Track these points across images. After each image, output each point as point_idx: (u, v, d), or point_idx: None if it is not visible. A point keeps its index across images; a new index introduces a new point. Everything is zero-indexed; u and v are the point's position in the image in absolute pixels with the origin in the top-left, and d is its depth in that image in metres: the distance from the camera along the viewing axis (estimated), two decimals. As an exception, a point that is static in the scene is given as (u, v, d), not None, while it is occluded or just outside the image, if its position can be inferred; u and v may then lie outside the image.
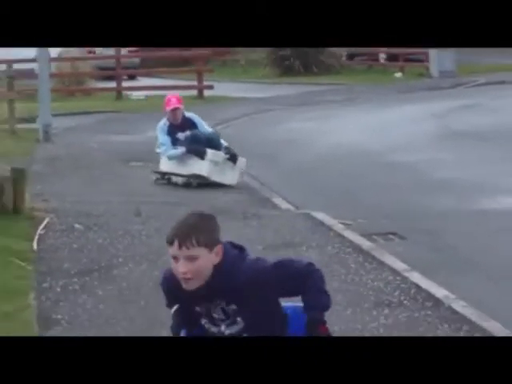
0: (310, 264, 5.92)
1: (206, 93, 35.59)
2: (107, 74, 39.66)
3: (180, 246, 5.60)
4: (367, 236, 14.04)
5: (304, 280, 5.87)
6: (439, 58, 40.65)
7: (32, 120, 26.63)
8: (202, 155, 18.01)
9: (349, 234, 14.15)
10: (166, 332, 9.68)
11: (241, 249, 5.84)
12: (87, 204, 16.81)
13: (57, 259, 13.20)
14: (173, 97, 19.07)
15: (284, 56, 43.41)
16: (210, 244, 5.70)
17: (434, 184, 17.77)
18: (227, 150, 18.28)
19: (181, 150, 18.29)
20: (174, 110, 18.33)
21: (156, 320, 10.28)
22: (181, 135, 18.21)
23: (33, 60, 29.06)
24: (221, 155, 18.02)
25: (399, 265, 12.41)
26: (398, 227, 14.74)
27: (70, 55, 39.77)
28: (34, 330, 10.04)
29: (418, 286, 11.42)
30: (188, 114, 18.74)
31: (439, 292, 11.10)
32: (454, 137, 23.11)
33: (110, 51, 40.30)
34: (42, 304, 11.12)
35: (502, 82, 36.68)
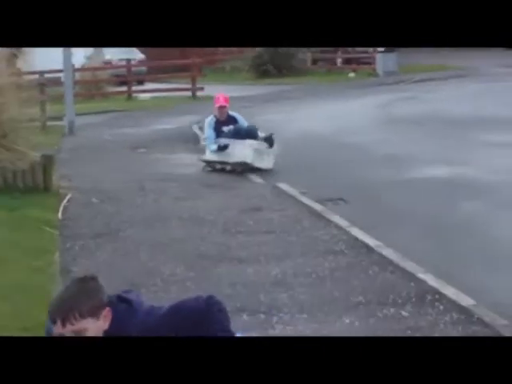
0: (209, 298, 5.06)
1: (199, 93, 35.86)
2: (120, 80, 39.77)
3: (64, 324, 4.77)
4: (319, 201, 14.09)
5: (203, 317, 5.01)
6: (384, 60, 40.98)
7: (60, 118, 26.82)
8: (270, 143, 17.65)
9: (305, 200, 14.32)
10: (160, 279, 10.18)
11: (129, 302, 5.01)
12: (102, 182, 16.95)
13: (77, 226, 13.37)
14: (221, 96, 18.40)
15: (260, 62, 43.53)
16: (95, 312, 4.86)
17: (377, 159, 17.83)
18: (266, 139, 17.74)
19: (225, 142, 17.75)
20: (222, 107, 17.87)
21: (151, 269, 10.59)
22: (225, 129, 17.74)
23: (60, 70, 28.83)
24: (262, 144, 17.55)
25: (343, 222, 12.59)
26: (346, 194, 14.83)
27: (90, 65, 39.99)
28: (57, 282, 10.03)
29: (356, 239, 11.66)
30: (232, 113, 18.23)
31: (372, 242, 11.36)
32: (394, 122, 23.08)
33: (123, 62, 40.57)
34: (64, 260, 11.30)
35: (433, 79, 36.94)
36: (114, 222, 13.46)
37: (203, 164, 17.94)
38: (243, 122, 18.08)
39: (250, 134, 17.63)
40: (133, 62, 41.09)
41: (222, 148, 17.57)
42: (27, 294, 9.61)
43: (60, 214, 14.48)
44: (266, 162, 17.38)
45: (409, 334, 8.16)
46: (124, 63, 40.33)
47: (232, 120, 17.90)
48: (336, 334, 8.15)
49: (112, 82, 39.98)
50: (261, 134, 17.93)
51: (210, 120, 17.95)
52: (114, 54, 44.86)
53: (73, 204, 15.19)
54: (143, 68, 43.58)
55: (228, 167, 17.38)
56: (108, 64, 42.69)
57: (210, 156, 17.80)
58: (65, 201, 15.36)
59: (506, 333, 7.89)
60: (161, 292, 9.60)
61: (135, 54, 44.95)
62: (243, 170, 17.27)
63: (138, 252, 11.58)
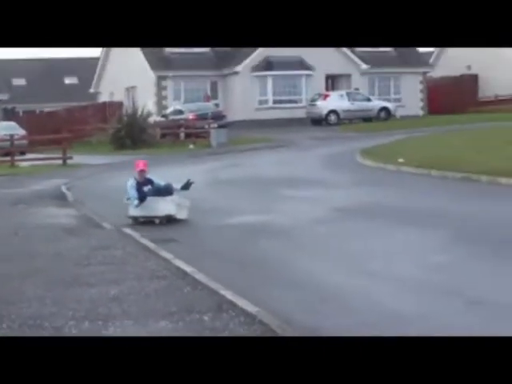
0: None
1: (68, 162, 35.68)
2: (5, 151, 39.03)
3: None
4: (154, 241, 14.30)
5: None
6: (217, 135, 41.39)
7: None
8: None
9: (143, 240, 14.53)
10: (26, 297, 10.49)
11: None
12: None
13: None
14: (141, 162, 17.79)
15: (119, 136, 43.15)
16: None
17: (205, 210, 18.15)
18: (186, 185, 17.54)
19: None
20: (142, 171, 17.21)
21: (20, 290, 10.77)
22: (145, 188, 16.99)
23: None
24: (180, 199, 17.18)
25: (169, 256, 12.83)
26: (178, 236, 15.24)
27: None
28: None
29: (177, 267, 11.89)
30: (147, 176, 17.36)
31: (188, 269, 11.63)
32: (220, 182, 23.60)
33: (7, 136, 39.59)
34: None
35: (257, 149, 37.50)
36: None
37: (131, 220, 17.02)
38: (159, 182, 17.45)
39: (168, 190, 17.27)
40: (16, 137, 40.48)
41: (142, 200, 16.87)
42: None
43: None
44: (183, 214, 17.06)
45: (207, 333, 8.33)
46: (8, 137, 39.72)
47: (148, 181, 17.33)
48: (153, 334, 8.37)
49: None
50: (176, 187, 17.52)
51: (131, 182, 17.16)
52: (0, 130, 44.57)
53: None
54: (25, 141, 42.85)
55: (157, 220, 16.74)
56: None
57: (135, 212, 17.01)
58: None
59: (279, 331, 8.12)
60: (25, 308, 9.73)
61: (18, 130, 44.73)
62: (167, 221, 16.76)
63: (10, 279, 11.67)
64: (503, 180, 19.95)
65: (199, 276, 11.27)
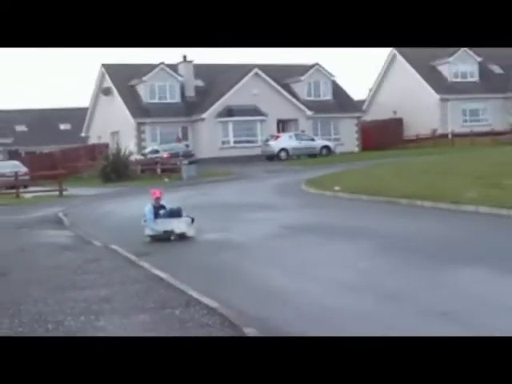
0: None
1: (64, 193, 35.41)
2: (11, 184, 38.80)
3: None
4: (136, 254, 14.37)
5: None
6: (187, 169, 41.32)
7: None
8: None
9: (127, 254, 14.61)
10: (32, 299, 10.68)
11: None
12: None
13: None
14: (156, 190, 17.56)
15: (106, 172, 42.75)
16: None
17: None
18: (176, 210, 17.08)
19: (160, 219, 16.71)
20: (158, 198, 17.06)
21: (27, 293, 10.91)
22: (161, 212, 16.80)
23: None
24: (189, 220, 16.87)
25: (146, 265, 13.02)
26: (154, 250, 15.33)
27: None
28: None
29: (154, 274, 12.11)
30: (159, 201, 17.15)
31: (163, 275, 11.83)
32: (192, 208, 23.85)
33: (13, 173, 39.55)
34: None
35: (220, 180, 37.64)
36: (3, 267, 13.63)
37: (148, 239, 16.81)
38: (170, 206, 17.26)
39: (178, 213, 16.96)
40: (19, 173, 40.37)
41: (171, 215, 16.76)
42: None
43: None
44: (192, 232, 16.72)
45: (177, 325, 8.59)
46: (13, 174, 39.61)
47: (162, 206, 17.11)
48: (135, 324, 8.72)
49: (5, 186, 39.21)
50: (167, 207, 17.17)
51: (149, 207, 16.98)
52: (6, 167, 43.99)
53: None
54: (27, 177, 42.73)
55: (173, 237, 16.45)
56: (1, 175, 41.71)
57: (153, 232, 16.73)
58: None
59: (237, 321, 8.45)
60: (32, 307, 9.95)
61: (21, 168, 44.59)
62: (181, 237, 16.52)
63: (18, 285, 11.87)
64: (418, 202, 20.26)
65: (171, 280, 11.47)
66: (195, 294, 10.26)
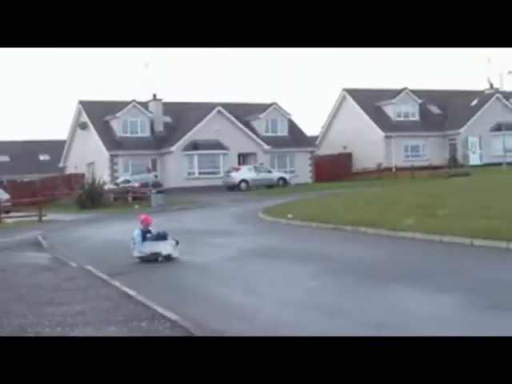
0: None
1: (43, 218, 35.14)
2: None
3: None
4: (108, 274, 14.42)
5: None
6: (156, 198, 41.19)
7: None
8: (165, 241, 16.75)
9: (99, 274, 14.53)
10: (13, 314, 10.54)
11: None
12: None
13: None
14: (146, 216, 17.65)
15: (82, 199, 42.50)
16: None
17: (130, 249, 17.24)
18: (162, 234, 16.99)
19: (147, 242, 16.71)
20: (147, 224, 17.14)
21: (9, 309, 10.95)
22: (148, 235, 16.76)
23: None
24: (174, 242, 16.83)
25: (117, 284, 13.13)
26: (124, 270, 15.28)
27: None
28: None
29: (123, 291, 12.23)
30: (147, 226, 17.18)
31: (132, 292, 11.96)
32: None
33: None
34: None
35: (186, 208, 37.78)
36: None
37: (138, 259, 16.80)
38: (155, 231, 17.24)
39: (164, 236, 16.92)
40: (2, 200, 40.26)
41: (158, 239, 16.75)
42: None
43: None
44: (176, 253, 16.69)
45: (135, 333, 8.76)
46: (-2, 201, 39.68)
47: (148, 230, 17.08)
48: (105, 334, 8.80)
49: None
50: (153, 232, 17.12)
51: (137, 232, 16.97)
52: None
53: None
54: (9, 203, 42.30)
55: (160, 258, 16.49)
56: None
57: (141, 253, 16.75)
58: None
59: (197, 332, 8.63)
60: (14, 319, 10.06)
61: (3, 195, 44.16)
62: (168, 258, 16.52)
63: (1, 301, 11.93)
64: (362, 229, 20.65)
65: (139, 297, 11.62)
66: (160, 309, 10.42)
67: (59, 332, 9.30)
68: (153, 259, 16.57)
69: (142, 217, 17.67)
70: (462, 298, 10.46)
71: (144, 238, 16.89)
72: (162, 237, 17.01)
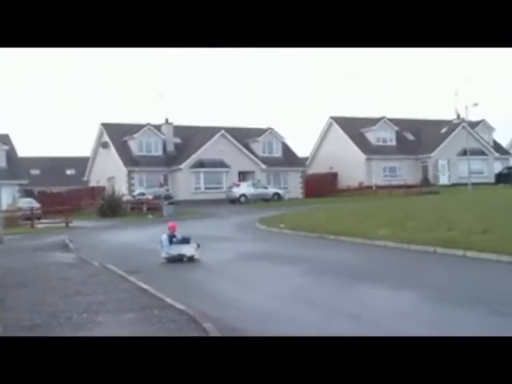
0: None
1: (70, 225, 35.37)
2: (27, 216, 38.73)
3: None
4: (126, 272, 14.64)
5: None
6: (167, 209, 41.32)
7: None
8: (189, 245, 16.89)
9: (119, 271, 14.93)
10: (47, 304, 10.88)
11: None
12: (16, 265, 17.12)
13: (5, 280, 13.63)
14: (173, 224, 17.82)
15: (103, 209, 42.75)
16: None
17: (158, 255, 17.34)
18: (185, 239, 17.11)
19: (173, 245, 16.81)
20: (173, 229, 17.27)
21: (43, 300, 11.27)
22: (174, 240, 16.96)
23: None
24: (195, 245, 17.00)
25: (134, 279, 13.43)
26: (140, 269, 15.30)
27: (9, 208, 39.19)
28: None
29: (139, 286, 12.45)
30: (173, 232, 17.24)
31: (146, 286, 12.20)
32: None
33: (28, 207, 39.95)
34: None
35: (194, 218, 37.68)
36: (21, 280, 13.95)
37: (165, 259, 16.85)
38: (179, 235, 17.22)
39: (187, 241, 17.05)
40: (34, 208, 40.61)
41: (182, 242, 16.88)
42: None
43: (-4, 277, 14.65)
44: (198, 255, 16.78)
45: (155, 320, 8.97)
46: (29, 208, 39.92)
47: (174, 235, 17.11)
48: (124, 319, 9.18)
49: (22, 218, 39.02)
50: (178, 237, 17.14)
51: (165, 236, 17.09)
52: (23, 203, 44.15)
53: (2, 273, 15.46)
54: (39, 211, 42.51)
55: (185, 259, 16.60)
56: (20, 209, 41.50)
57: (168, 255, 16.82)
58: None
59: (199, 319, 8.89)
60: (47, 307, 10.42)
61: (35, 204, 44.65)
62: (188, 259, 16.61)
63: (36, 292, 12.24)
64: (343, 238, 20.88)
65: (152, 291, 11.93)
66: (170, 301, 10.77)
67: (85, 317, 9.66)
68: (178, 260, 16.68)
69: (170, 224, 17.88)
70: (420, 294, 10.87)
71: (170, 242, 17.07)
72: (186, 241, 17.21)
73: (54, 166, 76.26)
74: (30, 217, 38.05)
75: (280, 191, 55.31)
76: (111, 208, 43.07)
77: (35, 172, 74.23)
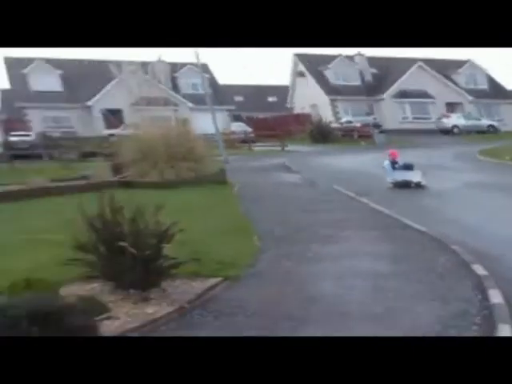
0: None
1: (286, 148, 36.17)
2: (242, 139, 40.24)
3: None
4: (355, 193, 14.63)
5: None
6: (378, 136, 41.52)
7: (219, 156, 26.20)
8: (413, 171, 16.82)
9: (348, 192, 15.04)
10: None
11: None
12: (249, 182, 17.82)
13: (243, 196, 14.61)
14: (393, 151, 17.84)
15: (314, 133, 43.71)
16: None
17: (375, 176, 17.85)
18: (409, 165, 17.03)
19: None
20: (394, 156, 17.29)
21: (280, 212, 12.27)
22: (396, 166, 16.98)
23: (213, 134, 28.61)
24: (420, 172, 16.86)
25: (365, 200, 13.50)
26: (369, 191, 14.68)
27: (225, 131, 40.21)
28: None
29: (373, 208, 12.56)
30: (394, 158, 17.21)
31: (379, 208, 12.23)
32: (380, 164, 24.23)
33: (242, 131, 41.73)
34: (241, 208, 12.62)
35: (404, 147, 36.84)
36: (259, 194, 14.79)
37: (391, 184, 16.77)
38: (401, 162, 17.23)
39: (410, 167, 17.01)
40: (247, 132, 42.55)
41: (405, 169, 16.85)
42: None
43: (235, 191, 16.02)
44: (424, 181, 16.57)
45: (399, 239, 9.07)
46: (242, 132, 41.77)
47: (396, 162, 17.11)
48: (370, 236, 9.40)
49: (238, 141, 40.52)
50: (400, 163, 17.11)
51: (387, 163, 17.19)
52: (235, 127, 46.39)
53: (239, 188, 16.57)
54: (252, 135, 43.95)
55: (412, 185, 16.43)
56: (233, 132, 43.45)
57: (394, 180, 16.74)
58: (235, 187, 16.71)
59: (442, 239, 8.84)
60: (291, 219, 11.18)
61: (246, 128, 46.58)
62: (418, 185, 16.41)
63: (274, 206, 12.95)
64: None
65: (387, 212, 12.03)
66: (408, 222, 10.90)
67: (331, 232, 10.01)
68: (404, 185, 16.54)
69: (391, 151, 17.93)
70: None
71: (393, 168, 17.10)
72: (409, 167, 17.12)
73: (256, 94, 78.44)
74: (246, 140, 39.75)
75: (495, 123, 52.66)
76: (322, 134, 43.78)
77: (239, 99, 76.94)
